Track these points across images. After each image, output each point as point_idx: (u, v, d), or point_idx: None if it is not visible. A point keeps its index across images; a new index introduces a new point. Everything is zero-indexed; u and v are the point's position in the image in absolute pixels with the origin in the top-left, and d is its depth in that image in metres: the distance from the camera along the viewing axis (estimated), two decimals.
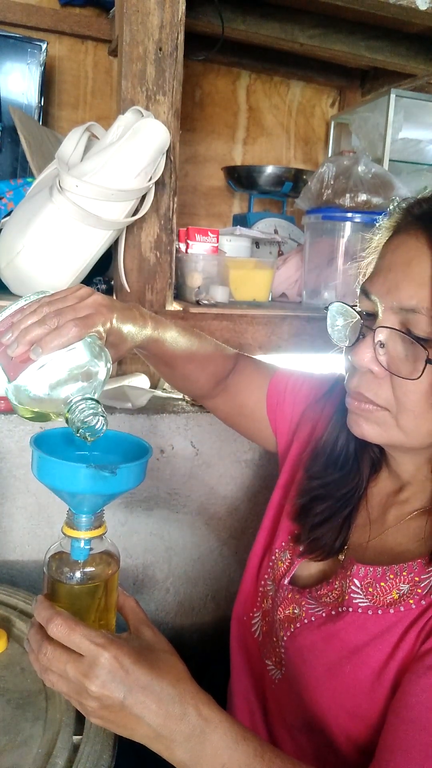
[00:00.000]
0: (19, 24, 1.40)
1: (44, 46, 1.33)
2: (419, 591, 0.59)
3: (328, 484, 0.72)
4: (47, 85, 1.45)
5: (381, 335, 0.56)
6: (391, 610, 0.60)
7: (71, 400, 0.54)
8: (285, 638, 0.69)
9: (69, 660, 0.51)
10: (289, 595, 0.71)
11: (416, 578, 0.60)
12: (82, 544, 0.58)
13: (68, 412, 0.54)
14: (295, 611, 0.69)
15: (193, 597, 1.19)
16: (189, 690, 0.52)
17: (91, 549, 0.58)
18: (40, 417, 0.57)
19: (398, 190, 1.20)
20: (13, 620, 0.84)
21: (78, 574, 0.58)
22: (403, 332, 0.55)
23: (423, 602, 0.59)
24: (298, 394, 0.82)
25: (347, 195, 1.17)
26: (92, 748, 0.65)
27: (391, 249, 0.58)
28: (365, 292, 0.59)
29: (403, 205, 0.60)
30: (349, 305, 0.62)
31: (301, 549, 0.73)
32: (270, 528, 0.81)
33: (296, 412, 0.82)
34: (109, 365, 0.59)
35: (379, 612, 0.61)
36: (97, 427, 0.54)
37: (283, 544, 0.76)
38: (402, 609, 0.60)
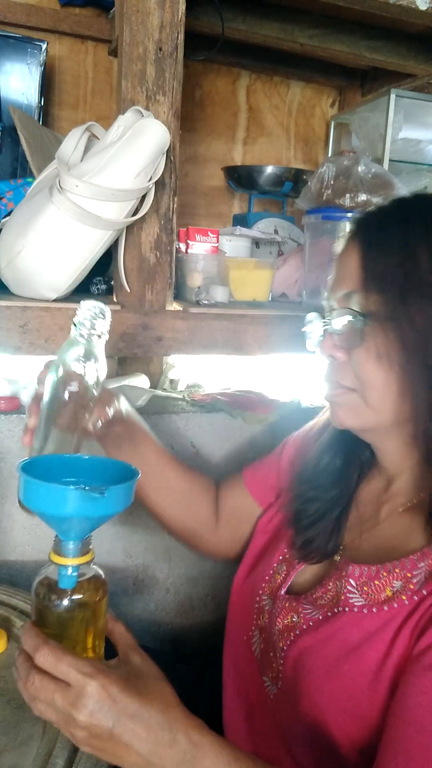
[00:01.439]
0: (19, 24, 1.40)
1: (44, 46, 1.33)
2: (411, 587, 0.61)
3: (318, 487, 0.76)
4: (47, 85, 1.45)
5: (334, 324, 0.66)
6: (385, 608, 0.61)
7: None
8: (285, 648, 0.69)
9: (56, 689, 0.50)
10: (287, 605, 0.72)
11: (408, 574, 0.62)
12: (69, 572, 0.57)
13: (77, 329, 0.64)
14: (294, 619, 0.69)
15: (193, 597, 1.19)
16: (178, 716, 0.52)
17: (79, 576, 0.58)
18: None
19: (398, 190, 1.19)
20: (13, 620, 0.84)
21: (66, 602, 0.57)
22: (345, 309, 0.64)
23: (415, 597, 0.60)
24: (271, 458, 0.91)
25: (347, 195, 1.17)
26: None
27: (339, 257, 0.70)
28: (327, 300, 0.71)
29: (353, 220, 0.71)
30: (319, 314, 0.72)
31: (297, 555, 0.75)
32: (257, 554, 0.84)
33: (273, 469, 0.89)
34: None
35: (374, 610, 0.62)
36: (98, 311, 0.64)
37: (281, 557, 0.77)
38: (395, 605, 0.61)
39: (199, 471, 0.92)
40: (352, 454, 0.76)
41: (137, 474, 0.60)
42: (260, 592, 0.78)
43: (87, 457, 0.65)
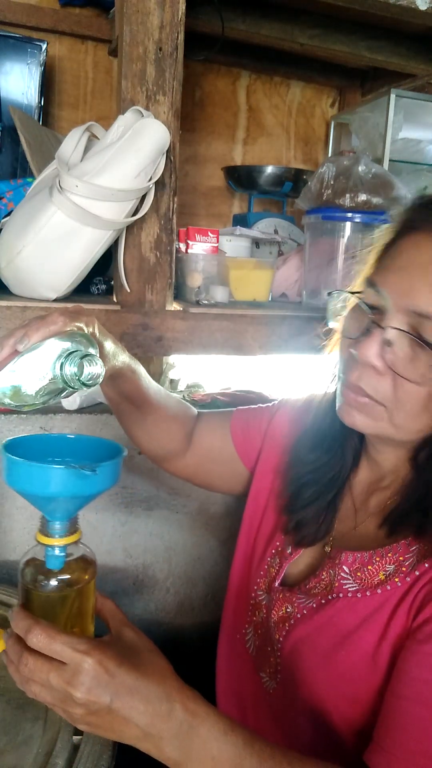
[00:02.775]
0: (19, 24, 1.40)
1: (44, 46, 1.33)
2: (404, 569, 0.62)
3: (316, 469, 0.74)
4: (47, 85, 1.45)
5: (390, 334, 0.56)
6: (379, 590, 0.62)
7: (59, 363, 0.54)
8: (281, 640, 0.69)
9: (51, 669, 0.50)
10: (281, 596, 0.72)
11: (400, 558, 0.63)
12: (57, 552, 0.56)
13: (62, 371, 0.54)
14: (288, 609, 0.70)
15: (193, 597, 1.19)
16: (175, 687, 0.53)
17: (66, 556, 0.57)
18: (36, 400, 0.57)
19: (398, 190, 1.19)
20: None
21: (54, 582, 0.57)
22: (415, 336, 0.55)
23: (408, 579, 0.61)
24: (262, 415, 0.86)
25: (347, 195, 1.17)
26: (92, 748, 0.66)
27: (407, 247, 0.57)
28: (373, 285, 0.59)
29: (425, 200, 0.60)
30: (362, 300, 0.61)
31: (290, 539, 0.75)
32: (249, 542, 0.82)
33: (261, 429, 0.85)
34: (96, 349, 0.58)
35: (368, 593, 0.63)
36: (91, 371, 0.54)
37: (274, 551, 0.78)
38: (389, 588, 0.61)
39: (180, 403, 0.87)
40: (346, 431, 0.71)
41: (123, 451, 0.59)
42: (255, 588, 0.78)
43: (72, 436, 0.65)
